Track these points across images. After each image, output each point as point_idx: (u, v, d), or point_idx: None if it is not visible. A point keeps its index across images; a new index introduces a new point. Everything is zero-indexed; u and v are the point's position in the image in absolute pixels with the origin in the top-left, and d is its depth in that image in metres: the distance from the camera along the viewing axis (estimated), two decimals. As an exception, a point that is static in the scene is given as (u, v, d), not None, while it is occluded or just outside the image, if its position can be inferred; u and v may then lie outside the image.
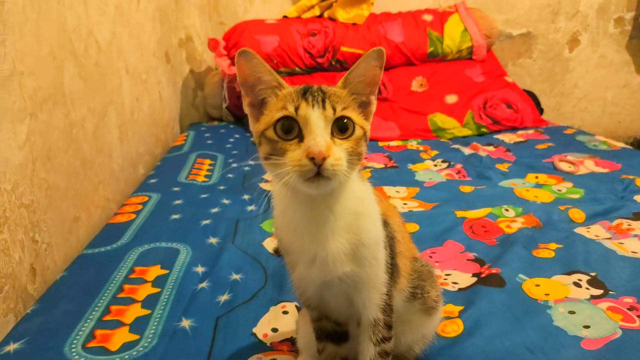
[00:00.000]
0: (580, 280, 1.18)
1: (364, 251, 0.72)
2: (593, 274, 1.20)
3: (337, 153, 0.64)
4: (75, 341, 0.97)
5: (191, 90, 3.12)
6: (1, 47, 1.14)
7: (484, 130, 2.64)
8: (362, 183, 0.76)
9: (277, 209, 0.76)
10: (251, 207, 1.68)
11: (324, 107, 0.64)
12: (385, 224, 0.78)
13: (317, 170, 0.62)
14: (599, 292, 1.13)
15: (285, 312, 1.10)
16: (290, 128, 0.65)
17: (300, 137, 0.64)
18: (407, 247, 0.86)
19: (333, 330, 0.82)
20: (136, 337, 0.99)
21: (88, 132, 1.61)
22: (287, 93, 0.68)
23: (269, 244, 1.41)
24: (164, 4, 2.69)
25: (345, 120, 0.66)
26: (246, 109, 0.72)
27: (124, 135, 1.95)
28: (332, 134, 0.65)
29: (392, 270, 0.78)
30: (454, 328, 1.02)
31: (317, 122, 0.64)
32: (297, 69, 2.79)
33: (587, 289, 1.15)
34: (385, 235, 0.77)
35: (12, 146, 1.16)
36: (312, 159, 0.61)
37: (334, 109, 0.65)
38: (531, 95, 2.93)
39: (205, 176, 2.04)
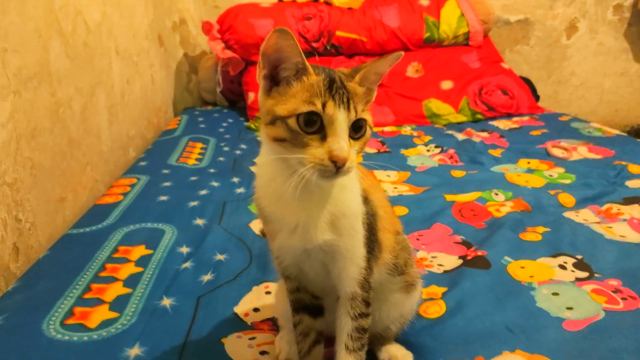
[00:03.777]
0: (565, 262, 1.17)
1: (343, 221, 0.73)
2: (579, 257, 1.20)
3: (352, 155, 0.67)
4: (53, 318, 0.97)
5: (185, 74, 3.10)
6: (-18, 22, 1.12)
7: (479, 116, 2.62)
8: None
9: (263, 178, 0.76)
10: (240, 190, 1.67)
11: (348, 109, 0.66)
12: (367, 200, 0.78)
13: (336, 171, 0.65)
14: (584, 274, 1.13)
15: (268, 293, 1.10)
16: (313, 121, 0.65)
17: (322, 133, 0.66)
18: (391, 222, 0.86)
19: (310, 302, 0.82)
20: (116, 314, 0.99)
21: (75, 113, 1.59)
22: (313, 83, 0.67)
23: (256, 226, 1.40)
24: (157, -14, 2.66)
25: (361, 122, 0.69)
26: (259, 80, 0.71)
27: (114, 117, 1.93)
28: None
29: (373, 245, 0.79)
30: (436, 309, 1.02)
31: (341, 124, 0.66)
32: (292, 53, 2.76)
33: (573, 271, 1.14)
34: (365, 211, 0.77)
35: (-6, 123, 1.15)
36: (334, 161, 0.64)
37: (356, 111, 0.67)
38: (527, 82, 2.91)
39: (196, 159, 2.03)
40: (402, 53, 0.71)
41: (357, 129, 0.68)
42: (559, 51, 3.29)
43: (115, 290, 1.07)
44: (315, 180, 0.66)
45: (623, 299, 1.03)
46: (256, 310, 1.04)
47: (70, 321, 0.96)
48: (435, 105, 2.65)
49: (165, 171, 1.85)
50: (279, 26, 0.66)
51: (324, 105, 0.65)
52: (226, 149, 2.18)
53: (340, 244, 0.74)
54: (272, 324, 1.00)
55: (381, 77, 0.74)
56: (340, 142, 0.65)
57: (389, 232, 0.84)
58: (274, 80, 0.70)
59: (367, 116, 0.70)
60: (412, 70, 2.80)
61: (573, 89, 3.38)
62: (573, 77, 3.35)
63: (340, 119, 0.65)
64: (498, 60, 2.90)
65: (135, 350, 0.89)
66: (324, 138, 0.65)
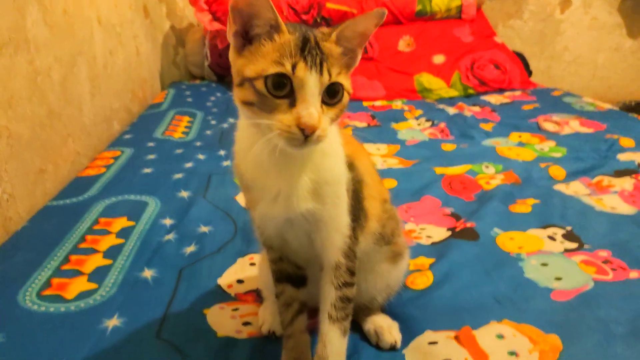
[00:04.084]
0: (555, 234, 1.16)
1: (326, 189, 0.70)
2: (569, 228, 1.18)
3: (325, 123, 0.62)
4: (30, 289, 0.94)
5: (172, 47, 3.03)
6: (-50, -18, 1.06)
7: (470, 91, 2.59)
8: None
9: (241, 144, 0.72)
10: (226, 163, 1.64)
11: (321, 73, 0.61)
12: (352, 166, 0.75)
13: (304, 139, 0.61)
14: (574, 245, 1.11)
15: (252, 264, 1.07)
16: (283, 84, 0.61)
17: (292, 98, 0.61)
18: (377, 190, 0.83)
19: (293, 273, 0.79)
20: (94, 286, 0.96)
21: (55, 82, 1.54)
22: (285, 42, 0.62)
23: (242, 198, 1.37)
24: (142, -46, 2.57)
25: (336, 87, 0.63)
26: (229, 37, 0.66)
27: (96, 89, 1.88)
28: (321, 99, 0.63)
29: (358, 213, 0.76)
30: (424, 280, 1.00)
31: (312, 89, 0.61)
32: (281, 25, 2.70)
33: (562, 242, 1.12)
34: (350, 178, 0.74)
35: (-34, 90, 1.11)
36: (302, 129, 0.60)
37: (330, 75, 0.62)
38: (520, 56, 2.87)
39: (183, 132, 1.99)
40: (385, 10, 0.65)
41: (332, 93, 0.63)
42: (552, 26, 3.25)
43: (95, 261, 1.04)
44: (283, 148, 0.62)
45: (613, 269, 1.01)
46: (240, 282, 1.01)
47: (47, 292, 0.94)
48: (427, 79, 2.61)
49: (151, 144, 1.81)
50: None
51: (293, 67, 0.60)
52: (213, 122, 2.14)
53: (324, 212, 0.71)
54: (256, 296, 0.98)
55: (366, 39, 0.68)
56: (310, 109, 0.60)
57: (375, 200, 0.81)
58: (247, 38, 0.65)
59: (344, 80, 0.64)
60: (404, 44, 2.75)
61: (566, 65, 3.34)
62: (566, 52, 3.31)
63: (311, 82, 0.60)
64: (491, 34, 2.85)
65: (113, 322, 0.86)
66: (293, 103, 0.61)
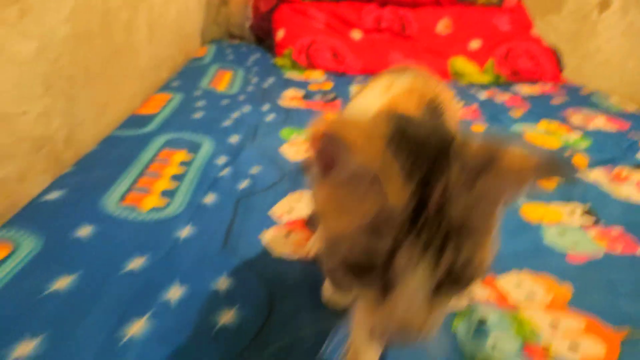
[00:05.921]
0: (574, 210, 1.27)
1: None
2: (587, 206, 1.29)
3: (431, 323, 0.42)
4: (110, 198, 1.07)
5: (214, 6, 3.11)
6: None
7: (501, 80, 2.67)
8: None
9: None
10: (270, 117, 1.75)
11: (438, 261, 0.39)
12: None
13: None
14: (590, 222, 1.22)
15: (300, 199, 1.19)
16: (370, 267, 0.41)
17: (384, 281, 0.41)
18: None
19: None
20: (166, 200, 1.09)
21: (121, 23, 1.65)
22: (387, 210, 0.40)
23: (286, 150, 1.48)
24: None
25: (467, 269, 0.41)
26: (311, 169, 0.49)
27: (152, 35, 1.98)
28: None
29: None
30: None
31: (419, 283, 0.39)
32: (326, -5, 2.78)
33: (580, 217, 1.23)
34: None
35: (58, 18, 1.22)
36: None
37: (457, 257, 0.40)
38: (555, 51, 2.93)
39: (226, 86, 2.09)
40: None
41: (455, 276, 0.41)
42: (588, 26, 3.29)
43: (163, 184, 1.17)
44: None
45: (623, 246, 1.12)
46: (290, 211, 1.14)
47: (124, 203, 1.07)
48: (461, 63, 2.69)
49: (197, 93, 1.92)
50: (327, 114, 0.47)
51: (392, 253, 0.39)
52: (254, 80, 2.25)
53: None
54: (304, 223, 1.10)
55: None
56: (408, 310, 0.40)
57: None
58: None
59: (482, 252, 0.43)
60: (442, 27, 2.82)
61: (594, 67, 3.39)
62: (598, 54, 3.36)
63: (418, 276, 0.39)
64: (528, 26, 2.92)
65: (185, 232, 0.99)
66: (384, 291, 0.41)
